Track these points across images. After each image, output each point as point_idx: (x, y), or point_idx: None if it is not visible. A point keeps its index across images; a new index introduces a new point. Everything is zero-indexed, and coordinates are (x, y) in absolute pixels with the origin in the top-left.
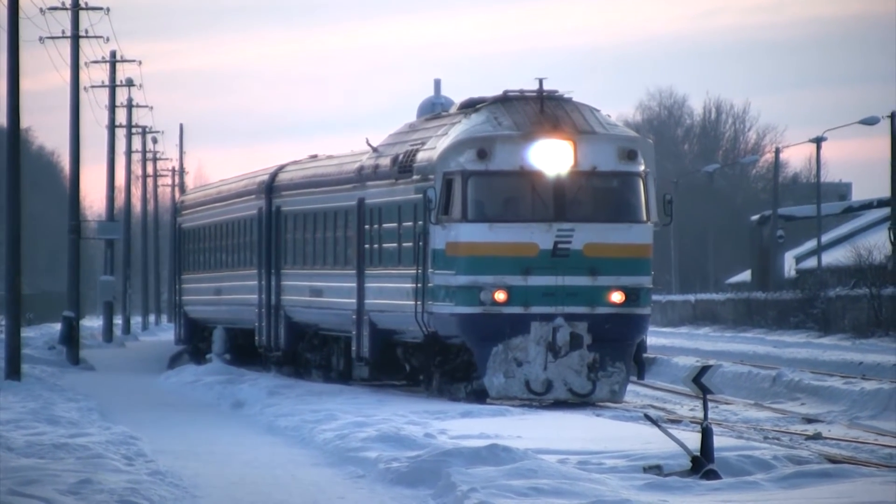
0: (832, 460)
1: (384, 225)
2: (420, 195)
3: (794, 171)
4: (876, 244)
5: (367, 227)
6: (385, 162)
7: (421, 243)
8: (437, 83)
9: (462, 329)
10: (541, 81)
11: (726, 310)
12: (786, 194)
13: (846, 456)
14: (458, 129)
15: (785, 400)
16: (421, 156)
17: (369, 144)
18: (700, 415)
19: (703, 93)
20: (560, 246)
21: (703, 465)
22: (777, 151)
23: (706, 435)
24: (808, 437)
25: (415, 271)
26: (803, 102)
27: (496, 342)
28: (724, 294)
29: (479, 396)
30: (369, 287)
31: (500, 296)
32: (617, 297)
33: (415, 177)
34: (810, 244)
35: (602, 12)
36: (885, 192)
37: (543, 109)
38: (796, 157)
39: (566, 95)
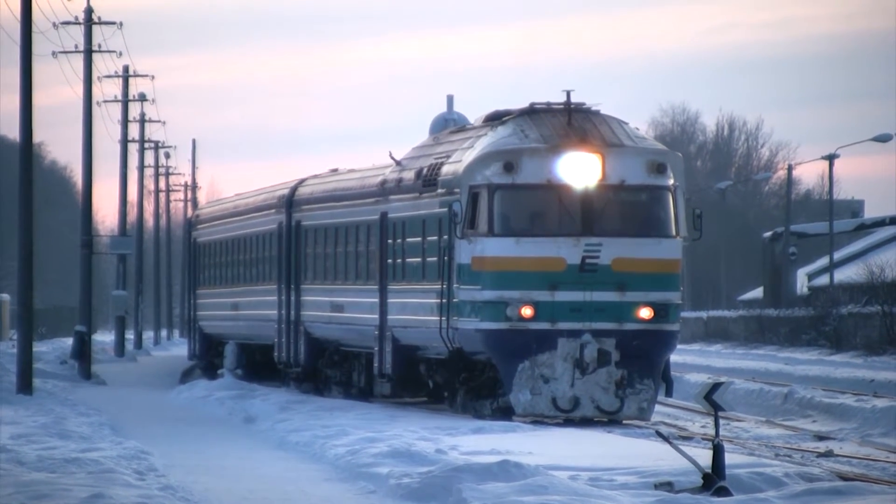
0: (844, 478)
1: (408, 239)
2: (445, 209)
3: (806, 188)
4: (888, 261)
5: (390, 241)
6: (409, 175)
7: (446, 258)
8: (450, 99)
9: (488, 345)
10: (568, 94)
11: (738, 327)
12: (798, 211)
13: (858, 473)
14: (484, 142)
15: (796, 417)
16: (446, 169)
17: (392, 158)
18: (711, 432)
19: (716, 109)
20: (588, 261)
21: (714, 482)
22: (790, 168)
23: (717, 452)
24: (820, 455)
25: (439, 286)
26: (816, 119)
27: (522, 358)
28: (735, 311)
29: (505, 413)
30: (392, 302)
31: (527, 311)
32: (645, 312)
33: (440, 190)
34: (822, 261)
35: (615, 29)
36: None
37: (571, 122)
38: (809, 174)
39: (594, 108)
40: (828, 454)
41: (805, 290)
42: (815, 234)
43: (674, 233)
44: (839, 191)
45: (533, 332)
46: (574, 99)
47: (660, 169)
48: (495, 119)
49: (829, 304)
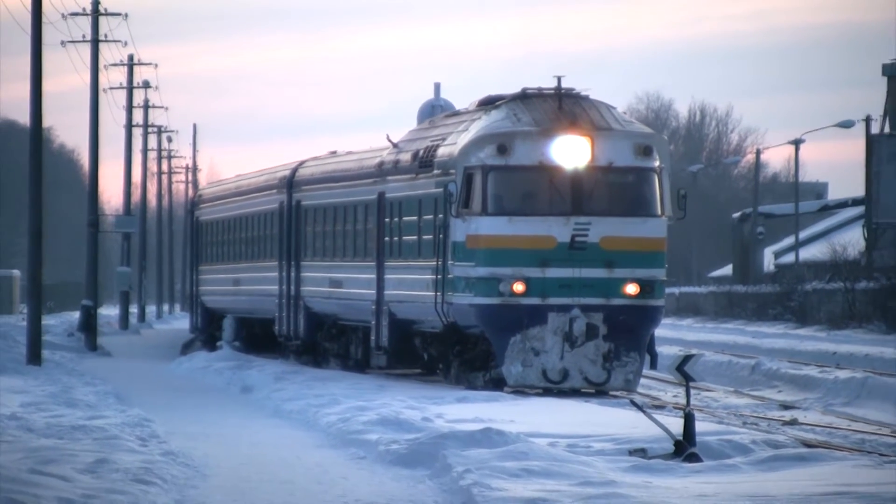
0: (807, 445)
1: (404, 218)
2: (440, 189)
3: (773, 171)
4: (850, 241)
5: (387, 220)
6: (405, 157)
7: (441, 236)
8: (437, 86)
9: (481, 319)
10: (559, 79)
11: (708, 302)
12: (766, 193)
13: (821, 441)
14: (478, 125)
15: (763, 387)
16: (442, 151)
17: (389, 140)
18: (683, 401)
19: (689, 97)
20: (577, 239)
21: (685, 448)
22: (758, 152)
23: (688, 420)
24: (785, 423)
25: (435, 263)
26: (783, 106)
27: (514, 332)
28: (706, 287)
29: (498, 384)
30: (389, 279)
31: (519, 287)
32: (632, 289)
33: (435, 171)
34: (788, 240)
35: (593, 20)
36: (860, 192)
37: (561, 106)
38: (776, 158)
39: (583, 93)
40: (792, 422)
41: (772, 267)
42: (782, 215)
43: (659, 212)
44: (804, 174)
45: (524, 307)
46: (562, 85)
47: (646, 151)
48: (489, 103)
49: (795, 281)
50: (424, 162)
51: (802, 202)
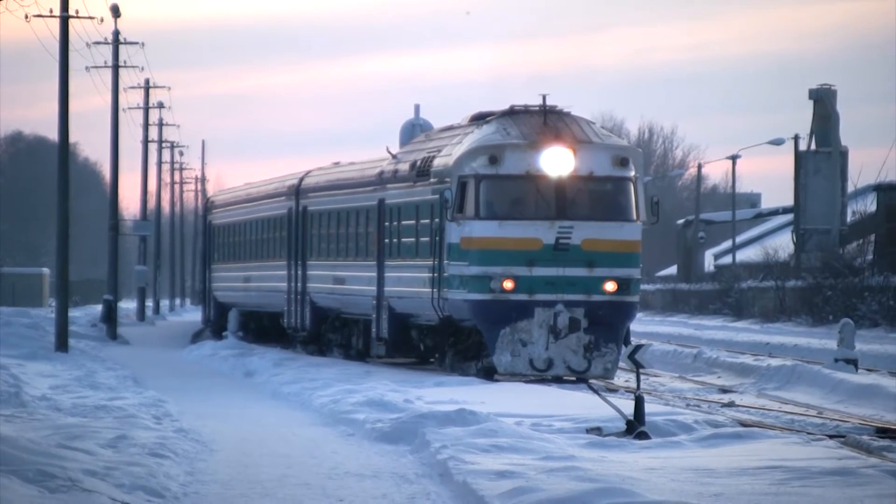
0: (743, 424)
1: (403, 222)
2: (436, 196)
3: (713, 183)
4: (781, 244)
5: (386, 224)
6: (404, 167)
7: (437, 238)
8: (417, 107)
9: (474, 313)
10: (544, 97)
11: (656, 298)
12: (706, 202)
13: (755, 421)
14: (471, 139)
15: (704, 374)
16: (438, 161)
17: (389, 152)
18: (634, 385)
19: (638, 117)
20: (561, 241)
21: (635, 427)
22: (699, 166)
23: (639, 402)
24: (724, 405)
25: (431, 262)
26: (722, 126)
27: (504, 325)
28: (654, 285)
29: (488, 373)
30: (389, 276)
31: (508, 284)
32: (610, 286)
33: (432, 180)
34: (726, 244)
35: (552, 48)
36: (789, 201)
37: (546, 121)
38: (715, 172)
39: (566, 109)
40: (730, 405)
41: (712, 267)
42: (721, 221)
43: (635, 217)
44: (740, 185)
45: (513, 303)
46: (547, 102)
47: (623, 162)
48: (480, 119)
49: (732, 280)
50: (422, 171)
51: (739, 210)
